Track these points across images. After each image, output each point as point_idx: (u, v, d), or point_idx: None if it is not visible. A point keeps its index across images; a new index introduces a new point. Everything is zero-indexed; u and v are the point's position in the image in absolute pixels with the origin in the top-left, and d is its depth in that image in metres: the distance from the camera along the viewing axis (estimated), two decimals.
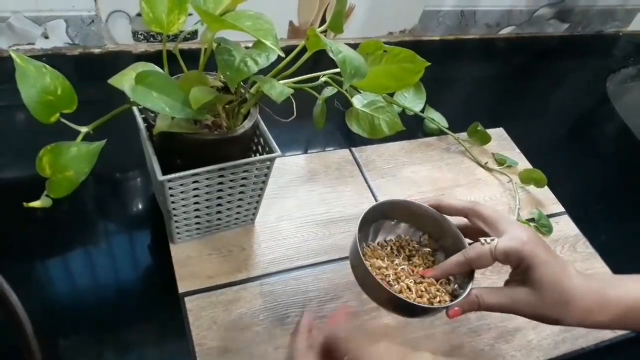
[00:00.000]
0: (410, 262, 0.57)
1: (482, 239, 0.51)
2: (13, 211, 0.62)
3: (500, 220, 0.51)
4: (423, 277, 0.54)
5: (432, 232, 0.59)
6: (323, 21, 0.97)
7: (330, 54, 0.45)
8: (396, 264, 0.56)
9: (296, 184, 0.74)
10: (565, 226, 0.78)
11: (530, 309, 0.48)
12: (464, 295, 0.50)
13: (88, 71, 0.83)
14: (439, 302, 0.52)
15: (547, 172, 0.79)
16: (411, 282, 0.53)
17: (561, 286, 0.47)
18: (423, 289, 0.53)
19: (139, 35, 0.87)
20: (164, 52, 0.50)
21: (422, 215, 0.58)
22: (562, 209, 0.81)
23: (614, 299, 0.48)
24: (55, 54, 0.83)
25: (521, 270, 0.49)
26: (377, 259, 0.56)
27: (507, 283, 0.52)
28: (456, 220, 0.57)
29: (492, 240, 0.50)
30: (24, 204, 0.43)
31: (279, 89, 0.45)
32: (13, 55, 0.43)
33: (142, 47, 0.88)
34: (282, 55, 0.43)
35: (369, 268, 0.51)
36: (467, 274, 0.53)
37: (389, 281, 0.53)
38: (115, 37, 0.86)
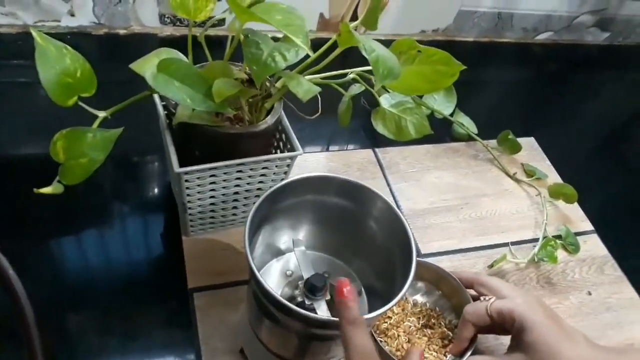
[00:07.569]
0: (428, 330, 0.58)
1: (482, 297, 0.53)
2: (25, 192, 0.61)
3: (502, 287, 0.53)
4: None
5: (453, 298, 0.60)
6: (355, 15, 0.94)
7: (363, 52, 0.43)
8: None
9: None
10: (593, 246, 0.74)
11: None
12: None
13: (112, 52, 0.81)
14: None
15: (577, 187, 0.75)
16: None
17: (556, 352, 0.45)
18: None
19: (166, 19, 0.85)
20: (189, 38, 0.48)
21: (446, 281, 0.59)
22: (591, 227, 0.77)
23: None
24: (80, 32, 0.82)
25: (516, 332, 0.49)
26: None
27: (508, 350, 0.51)
28: None
29: (491, 298, 0.52)
30: (34, 190, 0.41)
31: (306, 86, 0.43)
32: (34, 33, 0.41)
33: (168, 30, 0.87)
34: (311, 54, 0.41)
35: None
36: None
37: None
38: (142, 19, 0.84)
